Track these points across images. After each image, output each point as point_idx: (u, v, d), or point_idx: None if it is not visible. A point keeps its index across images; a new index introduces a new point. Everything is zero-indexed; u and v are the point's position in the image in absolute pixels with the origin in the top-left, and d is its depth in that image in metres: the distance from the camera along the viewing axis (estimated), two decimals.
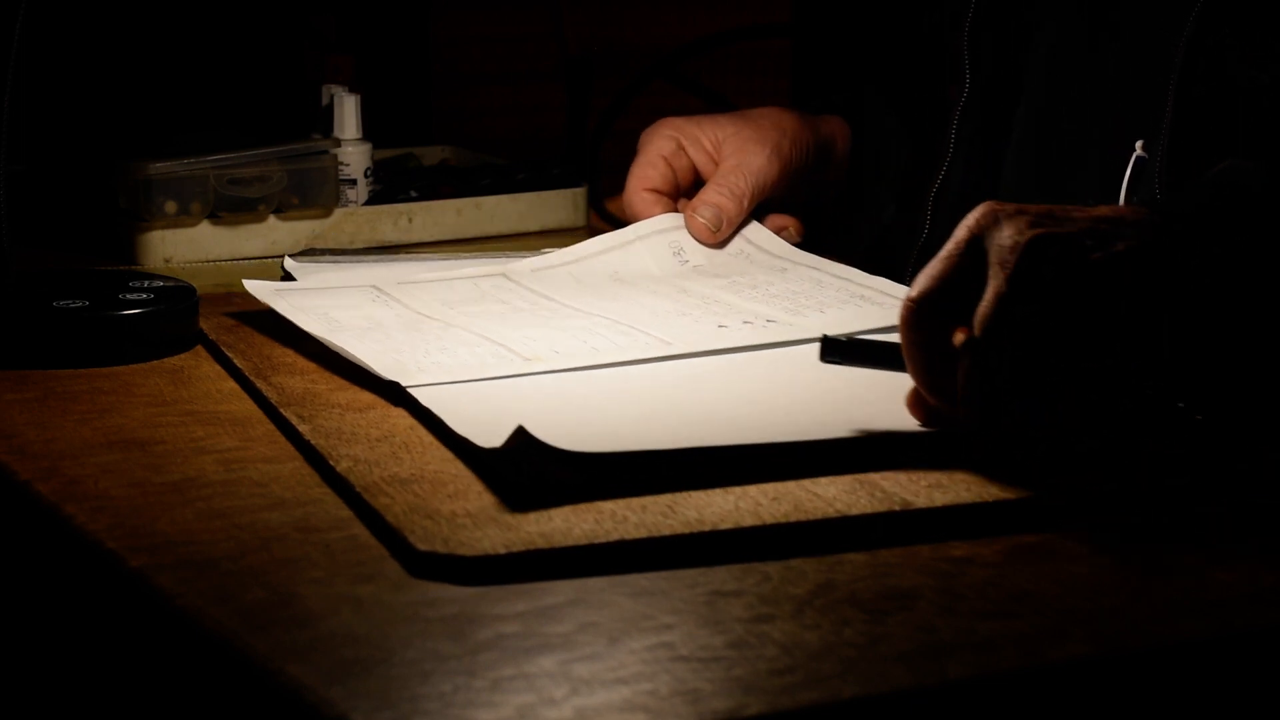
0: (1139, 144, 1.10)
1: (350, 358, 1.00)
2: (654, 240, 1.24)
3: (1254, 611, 0.74)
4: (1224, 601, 0.75)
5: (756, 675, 0.67)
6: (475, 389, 0.96)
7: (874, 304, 1.12)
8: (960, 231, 0.87)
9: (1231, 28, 1.06)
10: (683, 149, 1.28)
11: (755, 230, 1.26)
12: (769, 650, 0.69)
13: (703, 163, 1.28)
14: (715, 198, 1.24)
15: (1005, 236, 0.85)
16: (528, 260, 1.22)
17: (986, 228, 0.86)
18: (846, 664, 0.68)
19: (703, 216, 1.24)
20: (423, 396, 0.93)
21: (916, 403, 0.89)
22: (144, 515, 0.82)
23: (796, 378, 0.99)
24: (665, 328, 1.07)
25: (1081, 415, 0.85)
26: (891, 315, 1.07)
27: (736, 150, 1.27)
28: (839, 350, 0.91)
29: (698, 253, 1.23)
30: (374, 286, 1.15)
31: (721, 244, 1.24)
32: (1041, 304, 0.84)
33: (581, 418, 0.92)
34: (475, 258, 1.23)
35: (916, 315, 0.87)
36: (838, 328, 1.07)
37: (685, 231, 1.24)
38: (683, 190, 1.29)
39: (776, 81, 2.42)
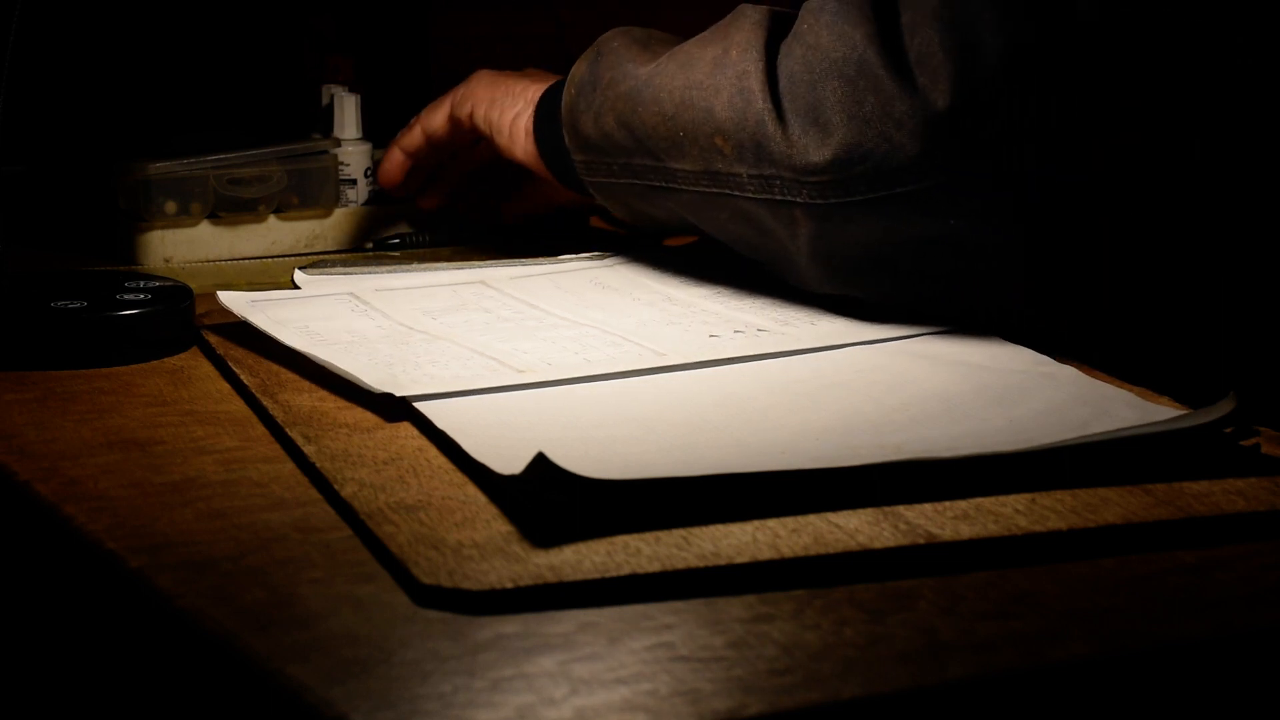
0: None
1: (338, 372, 0.98)
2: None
3: (1254, 611, 0.74)
4: (1224, 601, 0.75)
5: (756, 675, 0.67)
6: (489, 408, 0.94)
7: (864, 320, 1.10)
8: None
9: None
10: None
11: None
12: (769, 650, 0.69)
13: None
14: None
15: None
16: (506, 269, 1.22)
17: None
18: (846, 664, 0.68)
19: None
20: (436, 416, 0.91)
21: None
22: (144, 515, 0.82)
23: (815, 395, 0.97)
24: (656, 338, 1.06)
25: None
26: (882, 330, 1.08)
27: None
28: None
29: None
30: (351, 294, 1.14)
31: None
32: None
33: (599, 438, 0.90)
34: (453, 266, 1.23)
35: None
36: (830, 339, 1.06)
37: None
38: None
39: None
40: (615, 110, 1.14)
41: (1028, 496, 0.82)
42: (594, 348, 1.04)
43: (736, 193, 1.08)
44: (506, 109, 1.25)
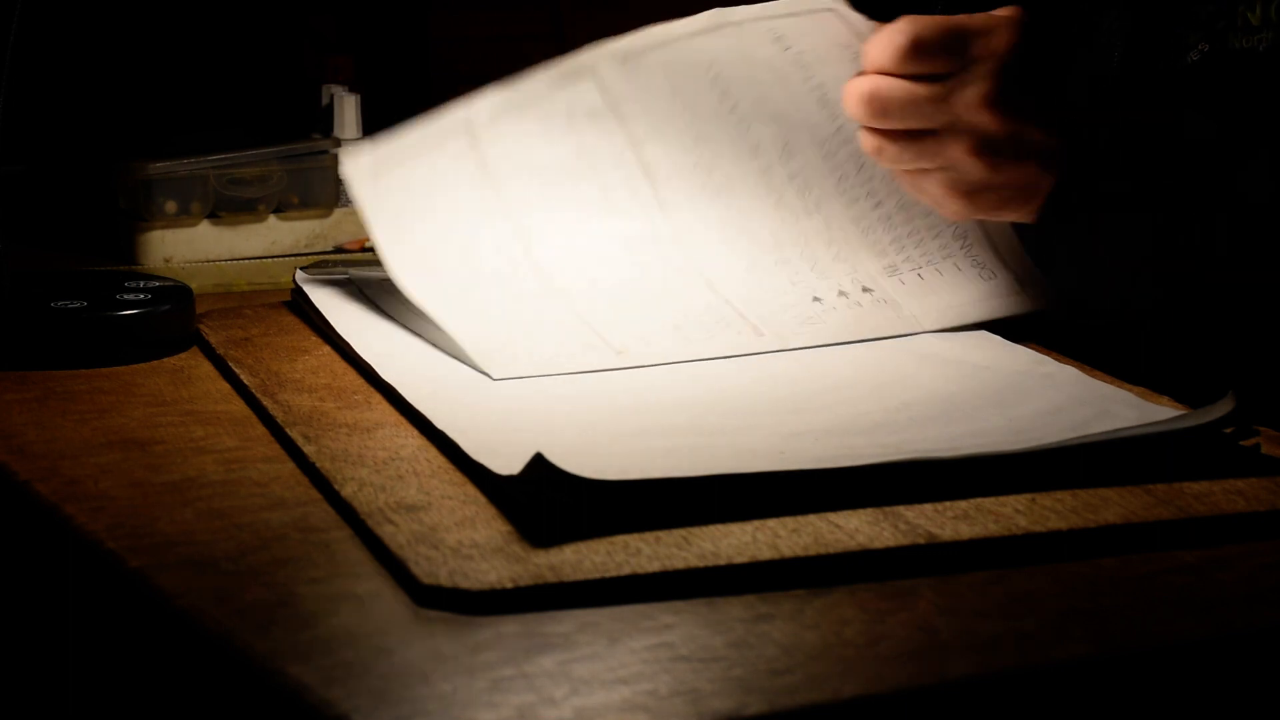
0: None
1: (443, 327, 1.00)
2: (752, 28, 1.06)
3: (1254, 611, 0.74)
4: (1224, 601, 0.75)
5: (756, 675, 0.67)
6: (489, 408, 0.94)
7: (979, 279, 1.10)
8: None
9: None
10: None
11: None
12: (769, 650, 0.69)
13: None
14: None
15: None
16: (616, 44, 1.11)
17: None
18: (846, 664, 0.68)
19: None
20: (436, 416, 0.91)
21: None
22: (144, 515, 0.82)
23: (815, 395, 0.97)
24: (759, 302, 1.06)
25: None
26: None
27: None
28: None
29: (802, 40, 1.05)
30: (466, 121, 1.04)
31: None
32: None
33: (598, 438, 0.90)
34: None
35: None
36: (940, 316, 1.08)
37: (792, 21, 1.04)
38: None
39: None
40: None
41: (1028, 496, 0.82)
42: (693, 315, 1.05)
43: None
44: None
